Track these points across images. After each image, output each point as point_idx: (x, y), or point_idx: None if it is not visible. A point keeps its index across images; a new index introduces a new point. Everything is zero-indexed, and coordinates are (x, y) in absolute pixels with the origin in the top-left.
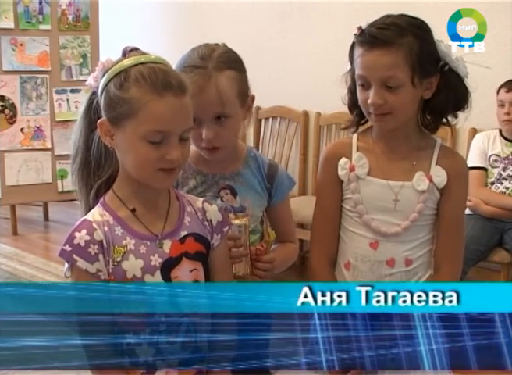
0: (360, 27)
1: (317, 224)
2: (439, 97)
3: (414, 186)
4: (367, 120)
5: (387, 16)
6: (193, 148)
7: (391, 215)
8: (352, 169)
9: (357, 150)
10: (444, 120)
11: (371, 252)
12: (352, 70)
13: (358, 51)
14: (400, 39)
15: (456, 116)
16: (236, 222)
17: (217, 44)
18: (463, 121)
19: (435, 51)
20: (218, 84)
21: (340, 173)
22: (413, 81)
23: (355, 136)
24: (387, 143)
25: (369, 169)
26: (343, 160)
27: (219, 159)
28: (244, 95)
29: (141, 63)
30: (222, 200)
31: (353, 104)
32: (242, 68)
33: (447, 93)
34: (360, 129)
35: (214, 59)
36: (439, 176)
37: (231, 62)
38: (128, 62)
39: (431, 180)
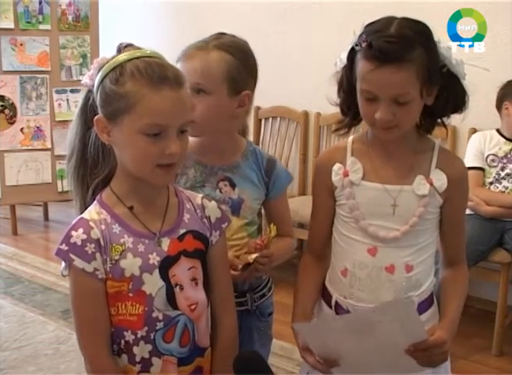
0: (365, 40)
1: (310, 228)
2: (439, 101)
3: (413, 190)
4: (359, 121)
5: (388, 22)
6: (193, 139)
7: (389, 220)
8: (346, 174)
9: (352, 154)
10: (439, 121)
11: (369, 259)
12: (346, 72)
13: (366, 65)
14: (410, 53)
15: (449, 117)
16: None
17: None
18: (461, 121)
19: (439, 57)
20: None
21: (334, 178)
22: (422, 93)
23: (350, 139)
24: (384, 146)
25: (364, 174)
26: (336, 166)
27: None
28: (235, 84)
29: (136, 58)
30: (220, 191)
31: (347, 106)
32: (241, 57)
33: (447, 96)
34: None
35: (217, 40)
36: (440, 179)
37: (233, 48)
38: (123, 57)
39: (431, 184)
